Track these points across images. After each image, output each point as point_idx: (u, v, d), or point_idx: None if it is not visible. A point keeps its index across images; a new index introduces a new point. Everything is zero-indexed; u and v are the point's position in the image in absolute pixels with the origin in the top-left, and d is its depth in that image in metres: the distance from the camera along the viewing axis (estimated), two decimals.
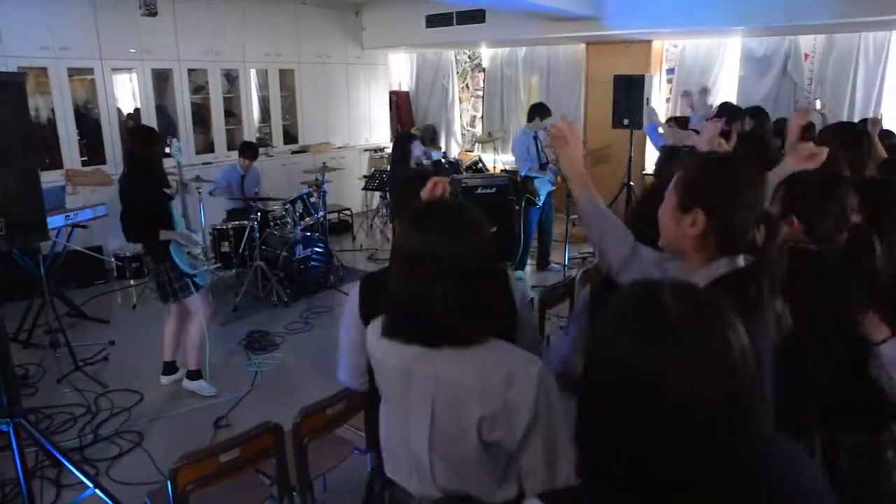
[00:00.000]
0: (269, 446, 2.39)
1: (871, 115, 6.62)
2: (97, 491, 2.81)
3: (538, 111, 6.40)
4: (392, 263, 1.50)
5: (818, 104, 6.22)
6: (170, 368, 4.39)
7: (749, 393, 0.85)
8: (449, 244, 1.38)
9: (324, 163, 7.12)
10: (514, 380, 1.34)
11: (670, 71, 8.33)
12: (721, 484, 0.84)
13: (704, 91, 6.88)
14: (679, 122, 6.14)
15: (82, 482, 2.84)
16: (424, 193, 1.85)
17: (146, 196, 3.96)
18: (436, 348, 1.38)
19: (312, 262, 6.18)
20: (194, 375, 4.28)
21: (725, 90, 7.79)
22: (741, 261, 1.42)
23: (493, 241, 1.48)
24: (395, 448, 1.55)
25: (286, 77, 8.68)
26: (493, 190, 6.49)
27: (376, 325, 1.51)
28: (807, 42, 7.18)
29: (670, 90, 8.31)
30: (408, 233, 1.45)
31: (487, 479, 1.44)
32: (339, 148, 9.31)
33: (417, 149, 5.33)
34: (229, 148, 7.72)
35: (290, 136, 8.88)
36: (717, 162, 1.61)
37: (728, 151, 2.14)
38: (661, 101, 8.26)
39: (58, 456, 2.90)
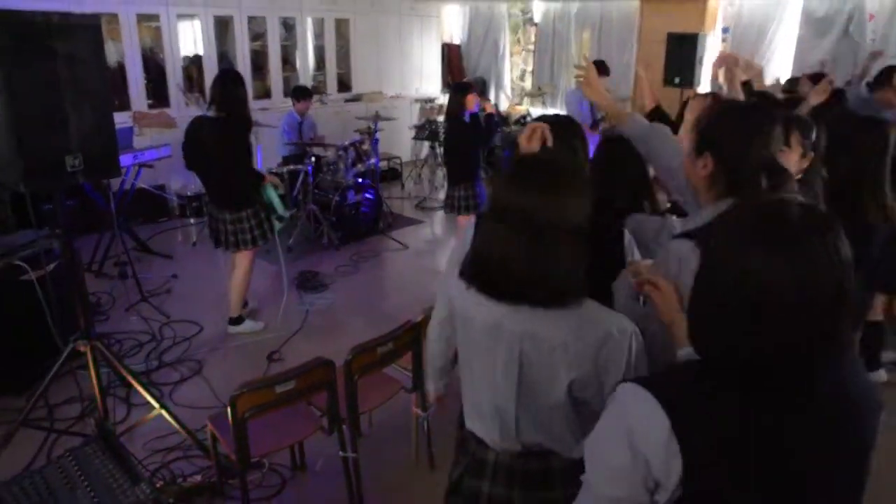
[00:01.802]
0: (322, 380, 2.54)
1: None
2: (163, 412, 2.98)
3: (597, 68, 6.35)
4: (487, 217, 1.44)
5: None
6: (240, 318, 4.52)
7: (849, 297, 0.94)
8: (555, 204, 1.34)
9: (376, 111, 7.26)
10: (607, 342, 1.35)
11: (725, 30, 8.09)
12: (819, 386, 0.98)
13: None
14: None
15: (149, 402, 3.02)
16: (522, 141, 1.74)
17: (245, 139, 4.09)
18: (529, 306, 1.37)
19: (363, 208, 6.39)
20: (237, 321, 4.47)
21: (781, 51, 7.54)
22: None
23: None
24: (479, 401, 1.55)
25: (341, 26, 8.78)
26: None
27: (458, 280, 1.48)
28: (872, 2, 6.87)
29: (725, 49, 8.09)
30: (510, 187, 1.40)
31: (570, 434, 1.47)
32: (391, 97, 9.42)
33: (475, 104, 5.03)
34: (286, 95, 7.90)
35: (343, 85, 9.04)
36: (729, 111, 1.68)
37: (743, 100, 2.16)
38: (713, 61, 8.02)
39: (128, 377, 3.05)
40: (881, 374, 3.93)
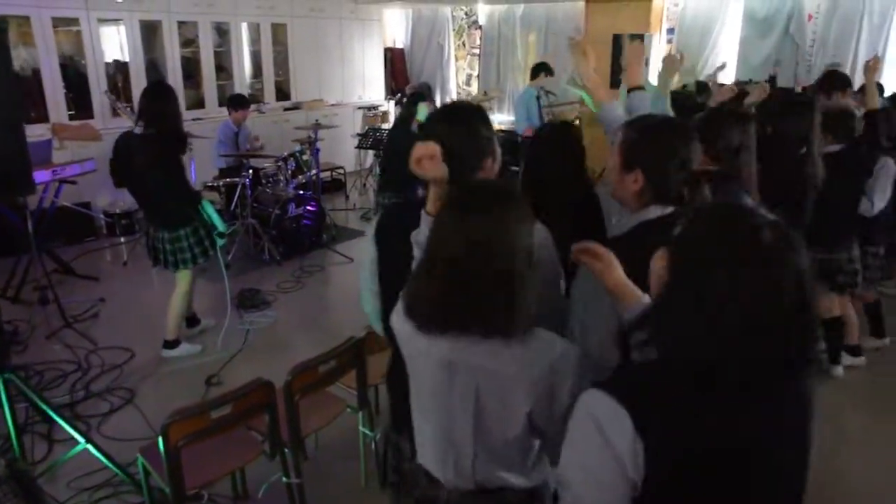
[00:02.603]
0: (260, 403, 2.40)
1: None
2: (88, 446, 2.80)
3: (543, 68, 6.29)
4: (428, 252, 1.37)
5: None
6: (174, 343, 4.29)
7: (812, 310, 1.01)
8: (500, 234, 1.28)
9: (316, 120, 7.01)
10: (555, 369, 1.33)
11: (670, 31, 8.18)
12: (784, 393, 1.05)
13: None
14: None
15: (73, 437, 2.84)
16: (412, 168, 1.62)
17: (177, 156, 3.89)
18: (481, 340, 1.32)
19: (305, 221, 6.12)
20: (173, 344, 4.22)
21: (726, 52, 7.66)
22: (669, 209, 1.64)
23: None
24: (434, 439, 1.50)
25: (278, 31, 8.50)
26: None
27: (404, 319, 1.42)
28: (811, 2, 7.04)
29: (670, 50, 8.17)
30: (448, 219, 1.34)
31: (526, 465, 1.45)
32: (333, 105, 9.17)
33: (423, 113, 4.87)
34: (220, 104, 7.57)
35: (282, 93, 8.74)
36: (652, 127, 1.75)
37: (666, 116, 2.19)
38: (659, 62, 8.12)
39: (47, 411, 2.88)
40: (839, 371, 3.95)
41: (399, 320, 1.45)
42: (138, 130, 3.83)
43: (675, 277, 1.07)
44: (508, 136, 6.88)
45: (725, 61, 7.05)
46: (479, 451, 1.41)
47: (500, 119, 9.20)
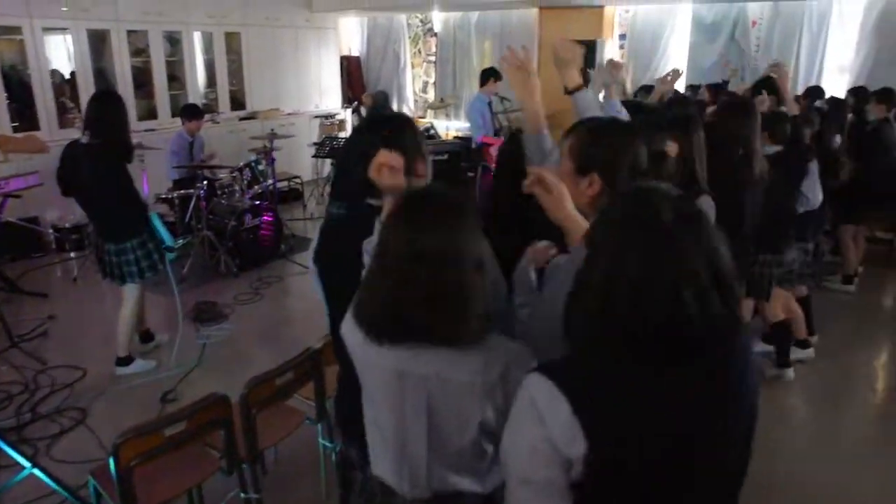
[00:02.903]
0: (216, 418, 2.35)
1: (813, 82, 6.78)
2: (35, 471, 2.70)
3: (492, 73, 6.33)
4: (376, 261, 1.35)
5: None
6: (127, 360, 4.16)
7: (725, 279, 1.05)
8: (448, 241, 1.27)
9: (272, 129, 6.93)
10: (508, 375, 1.31)
11: (622, 37, 8.33)
12: (707, 360, 1.07)
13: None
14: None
15: (18, 462, 2.74)
16: (372, 176, 1.61)
17: (123, 167, 3.81)
18: (432, 348, 1.31)
19: (262, 231, 6.03)
20: (125, 361, 4.11)
21: (676, 56, 7.84)
22: None
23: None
24: (388, 450, 1.48)
25: (232, 40, 8.39)
26: (446, 157, 6.42)
27: (354, 328, 1.40)
28: (754, 9, 7.26)
29: (623, 56, 8.32)
30: (397, 228, 1.32)
31: (483, 470, 1.44)
32: (289, 114, 9.08)
33: None
34: (174, 114, 7.42)
35: (237, 102, 8.62)
36: (603, 128, 1.75)
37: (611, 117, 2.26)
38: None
39: None
40: (790, 374, 4.02)
41: (349, 330, 1.43)
42: (85, 140, 3.74)
43: (588, 261, 1.11)
44: (465, 143, 6.90)
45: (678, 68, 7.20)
46: (434, 459, 1.40)
47: (458, 125, 9.23)
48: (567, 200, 1.45)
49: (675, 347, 1.04)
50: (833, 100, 5.37)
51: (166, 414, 2.40)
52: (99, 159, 3.72)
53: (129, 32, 7.21)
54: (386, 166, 1.53)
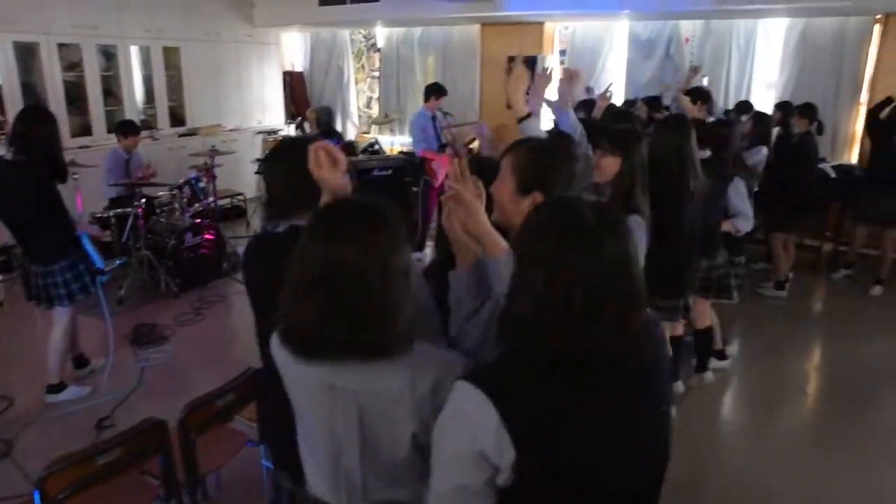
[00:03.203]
0: (152, 444, 2.28)
1: (743, 97, 7.08)
2: None
3: (434, 91, 6.38)
4: (295, 273, 1.31)
5: (705, 81, 6.66)
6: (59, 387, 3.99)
7: (638, 284, 1.11)
8: (367, 251, 1.24)
9: (213, 146, 6.81)
10: (440, 386, 1.28)
11: (562, 52, 8.53)
12: (624, 361, 1.12)
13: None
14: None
15: None
16: (311, 166, 1.59)
17: (51, 185, 3.67)
18: (359, 362, 1.28)
19: (203, 250, 5.90)
20: (57, 388, 3.94)
21: (614, 72, 8.06)
22: None
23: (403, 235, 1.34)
24: (322, 466, 1.45)
25: (171, 55, 8.21)
26: (390, 172, 6.42)
27: (280, 347, 1.37)
28: (687, 27, 7.54)
29: (562, 71, 8.49)
30: (315, 238, 1.28)
31: (419, 483, 1.39)
32: (231, 130, 8.94)
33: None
34: (109, 131, 7.20)
35: (177, 118, 8.43)
36: (543, 147, 1.80)
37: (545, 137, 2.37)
38: (554, 82, 8.42)
39: None
40: (709, 376, 4.13)
41: (277, 348, 1.40)
42: (9, 157, 3.60)
43: (516, 268, 1.15)
44: (409, 158, 6.92)
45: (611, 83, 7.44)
46: (370, 474, 1.40)
47: (402, 140, 9.25)
48: (480, 214, 1.44)
49: (598, 353, 1.08)
50: (757, 114, 5.60)
51: (99, 441, 2.30)
52: (24, 177, 3.58)
53: (61, 46, 6.97)
54: (324, 151, 1.53)
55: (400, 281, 1.27)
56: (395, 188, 6.34)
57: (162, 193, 6.06)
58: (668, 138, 3.23)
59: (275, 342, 1.41)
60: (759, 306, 5.51)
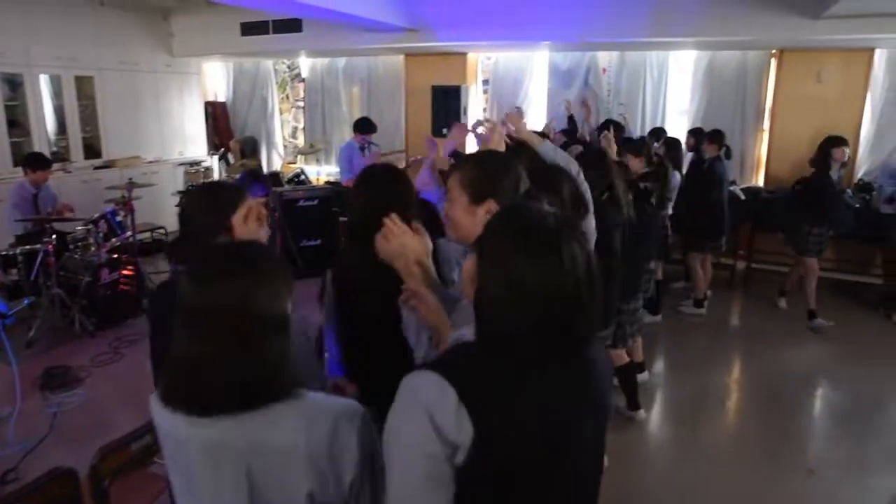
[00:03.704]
0: (60, 495, 2.10)
1: (658, 123, 7.42)
2: None
3: (364, 127, 6.42)
4: (177, 322, 1.26)
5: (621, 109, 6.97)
6: None
7: (593, 287, 1.16)
8: (245, 294, 1.21)
9: (130, 178, 6.56)
10: (337, 433, 1.24)
11: (486, 82, 8.72)
12: (572, 356, 1.19)
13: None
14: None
15: None
16: (237, 220, 1.68)
17: None
18: (244, 416, 1.22)
19: (122, 287, 5.64)
20: None
21: (535, 101, 8.30)
22: None
23: (284, 277, 1.31)
24: None
25: (84, 85, 7.92)
26: (316, 202, 6.35)
27: (160, 406, 1.28)
28: (604, 58, 7.87)
29: (486, 100, 8.70)
30: (192, 283, 1.25)
31: None
32: (151, 162, 8.67)
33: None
34: (16, 164, 6.84)
35: (92, 150, 8.10)
36: (489, 157, 1.88)
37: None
38: (478, 111, 8.62)
39: None
40: (641, 414, 4.04)
41: (157, 411, 1.30)
42: None
43: (480, 270, 1.19)
44: (336, 188, 6.89)
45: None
46: None
47: (328, 170, 9.20)
48: (437, 309, 1.54)
49: (556, 344, 1.15)
50: (668, 139, 5.88)
51: (1, 497, 2.13)
52: None
53: None
54: (257, 210, 1.58)
55: (275, 326, 1.24)
56: (321, 218, 6.26)
57: (77, 228, 5.78)
58: (590, 174, 3.30)
59: (155, 404, 1.31)
60: (679, 324, 5.72)
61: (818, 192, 5.55)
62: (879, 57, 6.69)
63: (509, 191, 1.74)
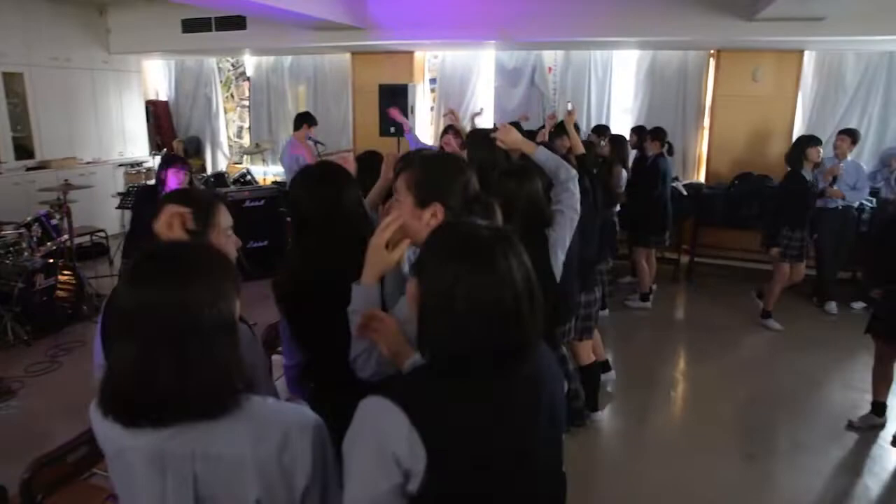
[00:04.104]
0: None
1: (603, 120, 7.56)
2: None
3: (304, 119, 6.30)
4: (115, 329, 1.22)
5: (569, 106, 7.03)
6: None
7: (534, 300, 1.18)
8: (187, 299, 1.15)
9: (66, 180, 6.31)
10: (288, 443, 1.20)
11: (433, 81, 8.72)
12: (519, 370, 1.18)
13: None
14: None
15: None
16: (160, 228, 1.62)
17: None
18: (189, 423, 1.17)
19: (59, 293, 5.43)
20: None
21: (483, 99, 8.34)
22: None
23: (230, 282, 1.24)
24: None
25: (13, 82, 7.59)
26: (262, 202, 6.24)
27: (100, 414, 1.22)
28: (549, 57, 7.97)
29: (434, 99, 8.70)
30: (130, 289, 1.18)
31: None
32: (89, 163, 8.37)
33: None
34: None
35: (23, 151, 7.77)
36: (433, 158, 1.86)
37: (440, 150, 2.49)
38: (425, 110, 8.62)
39: None
40: (600, 415, 4.02)
41: (97, 420, 1.24)
42: None
43: (420, 290, 1.20)
44: (282, 188, 6.78)
45: (482, 107, 7.72)
46: None
47: (275, 170, 9.05)
48: (395, 335, 1.51)
49: (501, 359, 1.15)
50: (613, 137, 5.99)
51: None
52: None
53: None
54: (178, 217, 1.53)
55: (220, 329, 1.18)
56: (267, 219, 6.15)
57: (7, 233, 5.53)
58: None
59: (94, 413, 1.25)
60: (627, 317, 5.84)
61: (796, 194, 5.28)
62: (809, 58, 6.99)
63: (457, 195, 1.69)
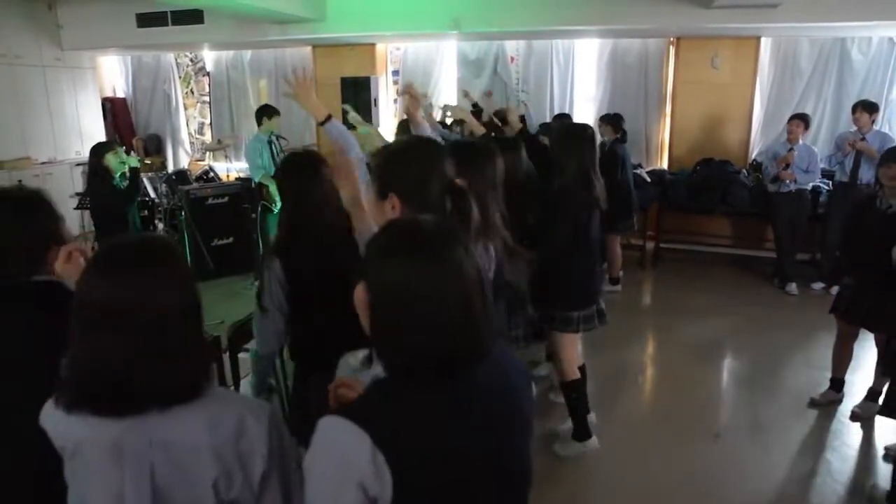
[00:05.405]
0: None
1: (566, 109, 7.60)
2: None
3: (265, 112, 6.20)
4: (75, 319, 1.22)
5: (523, 96, 7.08)
6: None
7: (483, 298, 1.12)
8: (144, 289, 1.18)
9: (19, 181, 6.13)
10: (244, 429, 1.23)
11: (395, 73, 8.67)
12: (476, 372, 1.12)
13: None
14: None
15: None
16: (58, 266, 1.62)
17: None
18: (148, 413, 1.18)
19: None
20: None
21: (446, 89, 8.32)
22: None
23: (188, 279, 1.27)
24: None
25: None
26: (226, 199, 6.14)
27: (52, 405, 1.24)
28: (511, 46, 7.97)
29: (397, 91, 8.65)
30: (89, 279, 1.20)
31: None
32: (44, 163, 8.15)
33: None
34: None
35: None
36: (400, 148, 1.82)
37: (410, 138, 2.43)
38: (388, 102, 8.56)
39: None
40: (594, 443, 3.53)
41: (48, 413, 1.26)
42: None
43: (368, 295, 1.13)
44: (246, 184, 6.68)
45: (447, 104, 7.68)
46: None
47: (238, 166, 8.92)
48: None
49: (457, 362, 1.10)
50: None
51: None
52: None
53: None
54: (77, 253, 1.59)
55: (179, 318, 1.20)
56: (232, 215, 6.05)
57: None
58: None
59: (48, 408, 1.26)
60: None
61: None
62: (765, 45, 7.12)
63: (415, 185, 1.62)
